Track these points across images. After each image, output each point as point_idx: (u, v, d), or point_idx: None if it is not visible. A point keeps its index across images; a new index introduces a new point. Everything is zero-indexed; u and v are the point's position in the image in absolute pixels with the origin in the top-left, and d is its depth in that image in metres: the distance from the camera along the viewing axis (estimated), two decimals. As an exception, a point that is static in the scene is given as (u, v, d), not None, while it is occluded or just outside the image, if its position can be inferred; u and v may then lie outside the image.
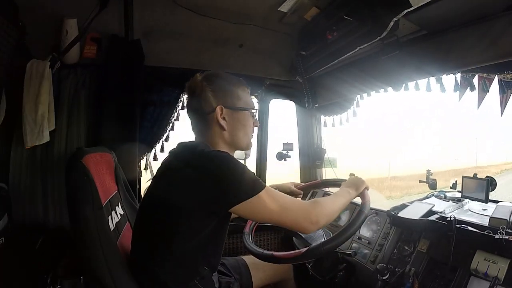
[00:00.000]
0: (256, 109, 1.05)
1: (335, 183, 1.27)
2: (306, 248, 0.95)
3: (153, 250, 0.90)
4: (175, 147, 1.01)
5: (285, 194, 0.96)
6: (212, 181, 0.82)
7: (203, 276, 0.94)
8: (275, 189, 1.25)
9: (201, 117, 0.97)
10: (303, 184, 1.38)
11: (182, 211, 0.85)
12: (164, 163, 1.00)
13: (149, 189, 1.00)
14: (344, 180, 1.22)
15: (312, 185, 1.44)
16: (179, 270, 0.90)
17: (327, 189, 1.83)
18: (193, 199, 0.83)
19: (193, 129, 1.02)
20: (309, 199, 1.86)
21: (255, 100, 1.94)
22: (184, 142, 1.00)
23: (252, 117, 1.03)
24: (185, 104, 1.03)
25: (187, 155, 0.91)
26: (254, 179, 0.87)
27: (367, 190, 1.10)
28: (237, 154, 1.55)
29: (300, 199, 1.40)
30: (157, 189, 0.94)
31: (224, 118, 0.96)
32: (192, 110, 1.00)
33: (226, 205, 0.84)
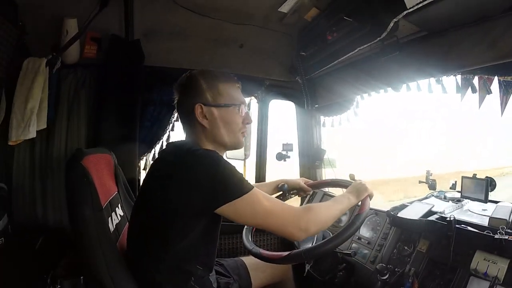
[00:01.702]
0: (243, 103, 0.99)
1: (345, 184, 1.25)
2: (288, 252, 0.93)
3: (147, 250, 0.90)
4: (165, 146, 1.01)
5: (275, 198, 0.93)
6: (196, 181, 0.81)
7: (198, 277, 0.93)
8: (284, 184, 1.24)
9: (185, 117, 0.97)
10: (314, 181, 1.34)
11: (170, 211, 0.84)
12: (154, 162, 1.00)
13: (141, 189, 1.00)
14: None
15: (322, 184, 1.40)
16: (173, 271, 0.89)
17: (326, 189, 1.83)
18: (179, 199, 0.82)
19: (183, 129, 1.01)
20: (309, 199, 1.86)
21: (254, 101, 1.95)
22: (174, 141, 0.99)
23: (240, 113, 0.97)
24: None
25: (174, 154, 0.90)
26: (241, 179, 0.84)
27: (370, 197, 1.06)
28: (237, 154, 1.57)
29: (291, 202, 1.39)
30: (148, 189, 0.94)
31: (205, 117, 0.93)
32: (178, 110, 1.00)
33: (211, 206, 0.82)
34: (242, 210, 0.83)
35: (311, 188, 1.32)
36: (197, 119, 0.93)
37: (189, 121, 0.96)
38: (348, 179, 1.40)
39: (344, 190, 1.14)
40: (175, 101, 1.00)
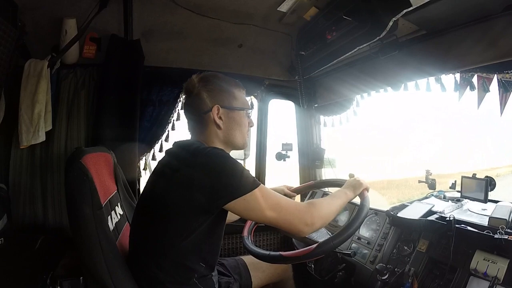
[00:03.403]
0: (251, 109, 1.07)
1: (330, 183, 1.26)
2: (316, 244, 0.93)
3: (150, 248, 0.91)
4: (171, 146, 1.02)
5: (280, 194, 0.95)
6: (206, 177, 0.83)
7: (201, 275, 0.94)
8: None
9: (198, 117, 0.99)
10: (296, 187, 1.37)
11: (176, 209, 0.85)
12: (160, 162, 1.01)
13: (146, 188, 1.01)
14: (338, 180, 1.22)
15: (306, 187, 1.41)
16: (176, 269, 0.90)
17: (326, 189, 1.83)
18: (188, 196, 0.83)
19: (189, 129, 1.03)
20: (308, 199, 1.86)
21: (254, 101, 1.95)
22: (180, 141, 1.01)
23: (247, 117, 1.05)
24: (182, 105, 1.05)
25: (182, 154, 0.92)
26: (248, 176, 0.87)
27: (367, 191, 1.09)
28: (236, 154, 1.57)
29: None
30: (154, 188, 0.95)
31: (220, 118, 0.97)
32: (189, 110, 1.01)
33: (219, 202, 0.84)
34: (250, 206, 0.85)
35: (295, 193, 1.34)
36: (213, 119, 0.96)
37: (202, 121, 0.98)
38: (348, 179, 1.40)
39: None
40: (184, 101, 1.02)
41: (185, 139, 1.02)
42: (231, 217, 1.22)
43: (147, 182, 1.02)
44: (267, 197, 0.87)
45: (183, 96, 1.03)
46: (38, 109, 1.33)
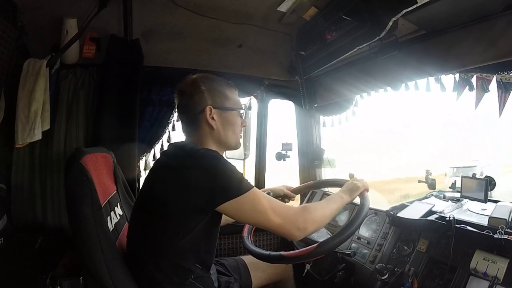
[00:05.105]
0: (244, 109, 1.08)
1: (329, 183, 1.26)
2: (316, 244, 0.93)
3: (149, 247, 0.91)
4: (167, 147, 1.04)
5: (273, 198, 0.96)
6: (200, 179, 0.84)
7: (198, 275, 0.94)
8: (268, 193, 1.26)
9: (191, 118, 0.99)
10: (296, 187, 1.37)
11: (173, 209, 0.86)
12: (156, 163, 1.03)
13: (144, 187, 1.02)
14: (337, 180, 1.22)
15: (305, 187, 1.41)
16: (174, 269, 0.90)
17: (326, 189, 1.83)
18: (182, 197, 0.85)
19: (183, 129, 1.04)
20: (308, 199, 1.86)
21: (254, 101, 1.95)
22: (175, 142, 1.03)
23: (240, 117, 1.06)
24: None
25: (177, 154, 0.94)
26: (241, 178, 0.88)
27: (367, 191, 1.09)
28: (236, 154, 1.56)
29: (292, 203, 1.40)
30: (149, 188, 0.96)
31: (213, 118, 0.98)
32: (182, 111, 1.02)
33: (213, 203, 0.85)
34: (243, 208, 0.86)
35: (294, 194, 1.34)
36: (206, 120, 0.97)
37: (195, 122, 0.99)
38: (348, 179, 1.40)
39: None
40: (177, 102, 1.03)
41: (180, 140, 1.03)
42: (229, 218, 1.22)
43: (144, 181, 1.03)
44: (260, 200, 0.87)
45: (177, 98, 1.03)
46: (35, 107, 1.32)
